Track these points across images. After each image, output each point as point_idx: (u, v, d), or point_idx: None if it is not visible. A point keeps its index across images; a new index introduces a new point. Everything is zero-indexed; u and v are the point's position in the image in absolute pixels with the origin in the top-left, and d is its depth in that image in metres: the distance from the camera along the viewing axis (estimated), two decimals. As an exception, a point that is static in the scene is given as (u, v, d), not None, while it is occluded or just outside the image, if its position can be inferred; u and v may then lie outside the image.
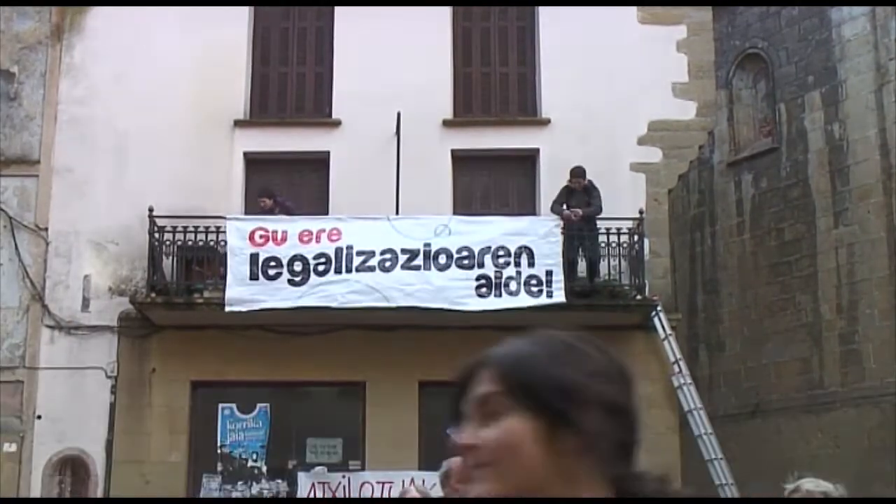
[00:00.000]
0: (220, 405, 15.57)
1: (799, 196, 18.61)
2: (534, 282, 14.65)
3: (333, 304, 14.52)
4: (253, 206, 15.71)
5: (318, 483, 14.87)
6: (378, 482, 14.73)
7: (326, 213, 15.62)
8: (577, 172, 15.37)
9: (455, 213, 15.63)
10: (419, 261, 14.67)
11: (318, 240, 14.77)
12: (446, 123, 16.51)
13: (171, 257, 15.22)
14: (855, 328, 17.51)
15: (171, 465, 15.19)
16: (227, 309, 14.48)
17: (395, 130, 15.95)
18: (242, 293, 14.54)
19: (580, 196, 15.35)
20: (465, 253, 14.70)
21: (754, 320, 18.92)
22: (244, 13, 16.85)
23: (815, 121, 18.59)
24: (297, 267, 14.65)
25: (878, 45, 17.80)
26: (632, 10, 16.71)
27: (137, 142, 16.10)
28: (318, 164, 16.35)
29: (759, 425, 18.21)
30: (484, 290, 14.62)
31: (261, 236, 14.80)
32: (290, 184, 16.58)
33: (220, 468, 15.41)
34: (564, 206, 15.21)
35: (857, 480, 16.58)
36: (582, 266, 15.40)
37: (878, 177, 17.52)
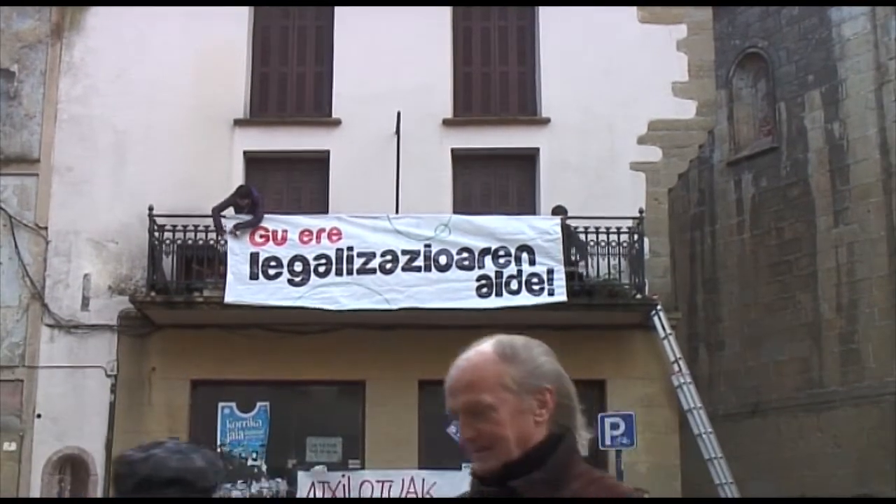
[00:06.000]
0: (220, 404, 15.57)
1: (799, 195, 18.60)
2: (535, 280, 14.64)
3: (334, 307, 14.52)
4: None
5: (318, 482, 14.86)
6: (378, 481, 14.73)
7: (326, 212, 15.60)
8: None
9: (455, 212, 15.62)
10: (419, 262, 14.66)
11: (318, 240, 14.77)
12: (446, 123, 16.50)
13: (170, 256, 15.21)
14: (855, 327, 17.50)
15: (171, 464, 15.14)
16: (227, 300, 14.48)
17: (394, 129, 15.95)
18: (242, 292, 14.55)
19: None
20: (465, 254, 14.70)
21: (754, 319, 18.91)
22: (244, 12, 16.85)
23: (815, 120, 18.58)
24: (298, 267, 14.65)
25: (877, 45, 17.79)
26: (632, 10, 16.71)
27: (137, 140, 16.11)
28: (318, 163, 16.34)
29: (759, 424, 18.21)
30: (485, 290, 14.62)
31: (261, 236, 14.81)
32: (289, 183, 16.59)
33: (219, 467, 15.39)
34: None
35: (856, 479, 16.64)
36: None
37: (878, 176, 17.51)
